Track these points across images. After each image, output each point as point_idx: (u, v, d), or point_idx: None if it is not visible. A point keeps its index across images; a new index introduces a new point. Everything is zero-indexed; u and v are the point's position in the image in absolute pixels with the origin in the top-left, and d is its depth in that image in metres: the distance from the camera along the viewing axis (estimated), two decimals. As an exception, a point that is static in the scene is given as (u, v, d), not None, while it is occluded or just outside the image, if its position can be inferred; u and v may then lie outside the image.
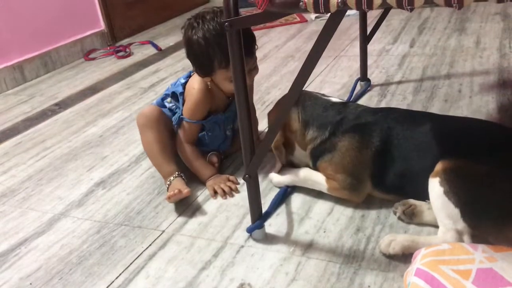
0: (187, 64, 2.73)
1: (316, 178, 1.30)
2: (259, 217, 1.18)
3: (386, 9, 2.02)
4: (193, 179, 1.45)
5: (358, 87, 1.98)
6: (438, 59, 2.19)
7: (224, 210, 1.33)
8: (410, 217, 1.17)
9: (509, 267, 0.85)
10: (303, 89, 1.05)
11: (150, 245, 1.23)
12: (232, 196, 1.38)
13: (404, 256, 1.06)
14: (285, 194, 1.34)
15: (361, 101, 1.86)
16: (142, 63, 2.87)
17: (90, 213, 1.41)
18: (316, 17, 3.19)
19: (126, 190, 1.50)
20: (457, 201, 1.02)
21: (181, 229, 1.27)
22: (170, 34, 3.44)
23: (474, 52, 2.22)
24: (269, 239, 1.19)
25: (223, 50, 1.27)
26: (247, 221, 1.23)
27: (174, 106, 1.50)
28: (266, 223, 1.22)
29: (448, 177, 1.04)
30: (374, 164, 1.21)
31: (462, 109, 1.69)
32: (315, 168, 1.32)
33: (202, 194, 1.41)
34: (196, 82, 1.43)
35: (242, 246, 1.18)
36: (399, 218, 1.19)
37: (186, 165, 1.48)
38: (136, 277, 1.13)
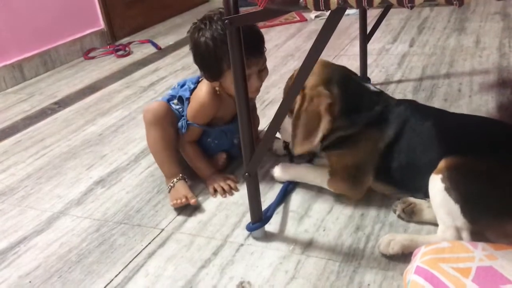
0: (186, 63, 2.73)
1: (318, 172, 1.31)
2: (258, 215, 1.18)
3: (385, 9, 2.02)
4: (193, 178, 1.45)
5: (357, 86, 1.97)
6: (438, 59, 2.19)
7: (224, 208, 1.33)
8: (410, 215, 1.17)
9: (509, 265, 0.85)
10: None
11: (150, 243, 1.23)
12: (232, 194, 1.38)
13: (404, 255, 1.06)
14: (285, 194, 1.34)
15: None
16: (142, 62, 2.86)
17: (90, 211, 1.41)
18: (315, 17, 3.19)
19: (126, 189, 1.50)
20: (457, 197, 1.02)
21: (180, 228, 1.27)
22: (170, 33, 3.43)
23: (473, 51, 2.22)
24: (268, 238, 1.19)
25: None
26: (247, 220, 1.22)
27: (181, 109, 1.45)
28: (266, 222, 1.22)
29: (450, 174, 1.05)
30: (382, 157, 1.21)
31: (462, 108, 1.69)
32: (320, 154, 1.33)
33: (202, 193, 1.41)
34: (204, 85, 1.40)
35: (242, 245, 1.18)
36: (398, 216, 1.19)
37: (187, 162, 1.47)
38: (136, 275, 1.13)
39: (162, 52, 2.99)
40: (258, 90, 1.41)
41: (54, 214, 1.43)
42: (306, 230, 1.20)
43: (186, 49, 2.92)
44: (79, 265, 1.19)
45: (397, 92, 1.89)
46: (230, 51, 1.02)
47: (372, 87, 1.30)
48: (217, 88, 1.38)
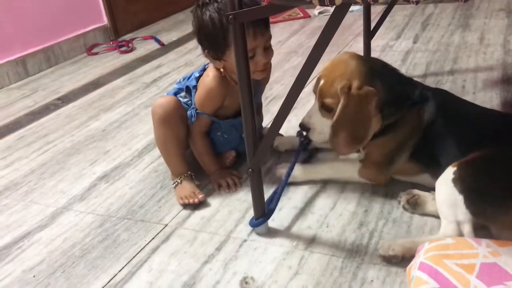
0: (189, 59, 2.73)
1: (345, 166, 1.33)
2: (261, 211, 1.18)
3: (389, 5, 2.01)
4: (197, 173, 1.45)
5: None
6: (442, 55, 2.18)
7: (227, 204, 1.33)
8: (414, 206, 1.18)
9: (513, 261, 0.85)
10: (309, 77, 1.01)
11: (153, 238, 1.23)
12: (236, 189, 1.38)
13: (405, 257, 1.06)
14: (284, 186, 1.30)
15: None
16: (145, 58, 2.86)
17: (93, 206, 1.41)
18: (319, 13, 3.18)
19: (129, 184, 1.50)
20: (462, 188, 1.02)
21: (184, 223, 1.27)
22: (173, 29, 3.43)
23: (478, 48, 2.21)
24: (272, 234, 1.19)
25: None
26: (250, 215, 1.22)
27: (189, 102, 1.43)
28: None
29: (460, 166, 1.06)
30: (421, 137, 1.22)
31: (466, 105, 1.69)
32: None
33: (205, 189, 1.41)
34: (211, 71, 1.38)
35: (245, 240, 1.18)
36: (403, 207, 1.19)
37: (195, 156, 1.46)
38: (139, 270, 1.13)
39: (165, 48, 2.99)
40: (265, 70, 1.36)
41: (57, 209, 1.43)
42: (310, 226, 1.20)
43: (189, 45, 2.93)
44: (82, 260, 1.19)
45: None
46: (234, 46, 1.01)
47: (409, 78, 1.30)
48: (221, 70, 1.36)
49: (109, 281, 1.11)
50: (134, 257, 1.18)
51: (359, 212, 1.23)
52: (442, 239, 0.93)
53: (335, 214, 1.23)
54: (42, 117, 2.16)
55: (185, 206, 1.34)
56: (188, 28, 2.92)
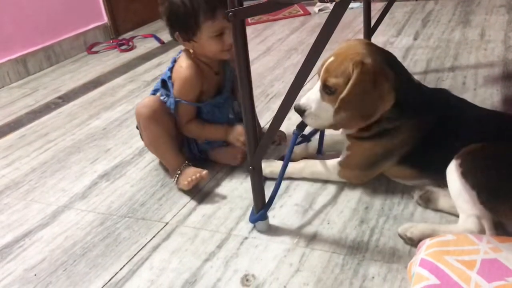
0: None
1: (324, 164, 1.32)
2: (262, 209, 1.18)
3: (390, 2, 2.01)
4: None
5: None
6: (442, 52, 2.18)
7: (228, 201, 1.33)
8: (426, 202, 1.18)
9: (514, 257, 0.84)
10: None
11: (154, 236, 1.23)
12: None
13: (408, 248, 1.06)
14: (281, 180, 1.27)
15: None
16: (145, 56, 2.86)
17: (94, 205, 1.42)
18: (319, 10, 3.17)
19: (130, 182, 1.50)
20: (474, 183, 1.02)
21: (185, 221, 1.28)
22: (173, 27, 3.43)
23: (478, 44, 2.21)
24: (273, 231, 1.19)
25: (208, 0, 1.29)
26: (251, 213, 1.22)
27: (166, 99, 1.44)
28: (270, 215, 1.22)
29: (467, 159, 1.05)
30: (415, 144, 1.20)
31: (467, 101, 1.68)
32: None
33: (206, 186, 1.41)
34: (183, 61, 1.41)
35: (246, 238, 1.18)
36: (416, 202, 1.20)
37: (199, 139, 1.47)
38: (140, 268, 1.13)
39: (165, 47, 2.99)
40: (231, 50, 1.36)
41: (58, 207, 1.43)
42: (311, 223, 1.20)
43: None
44: (84, 258, 1.20)
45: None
46: (234, 44, 1.01)
47: (415, 79, 1.27)
48: (191, 51, 1.40)
49: (110, 279, 1.11)
50: (135, 255, 1.18)
51: (360, 209, 1.23)
52: (443, 235, 0.93)
53: (336, 211, 1.23)
54: (43, 115, 2.16)
55: (186, 203, 1.34)
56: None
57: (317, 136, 1.44)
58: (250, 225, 1.21)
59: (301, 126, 1.28)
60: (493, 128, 1.16)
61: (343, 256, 1.07)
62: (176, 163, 1.41)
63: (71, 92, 2.42)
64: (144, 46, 3.07)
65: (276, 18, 3.19)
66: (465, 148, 1.09)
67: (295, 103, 1.26)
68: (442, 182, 1.14)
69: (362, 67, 1.14)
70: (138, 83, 2.41)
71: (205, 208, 1.32)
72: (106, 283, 1.10)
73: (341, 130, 1.28)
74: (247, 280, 1.05)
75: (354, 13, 2.91)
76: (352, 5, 2.99)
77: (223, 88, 1.48)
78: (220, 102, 1.47)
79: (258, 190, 1.17)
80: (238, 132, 1.41)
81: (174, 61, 1.47)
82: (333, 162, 1.32)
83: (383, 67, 1.16)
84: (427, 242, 0.92)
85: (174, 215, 1.30)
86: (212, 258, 1.13)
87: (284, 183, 1.35)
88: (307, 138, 1.47)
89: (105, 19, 3.28)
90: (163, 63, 2.67)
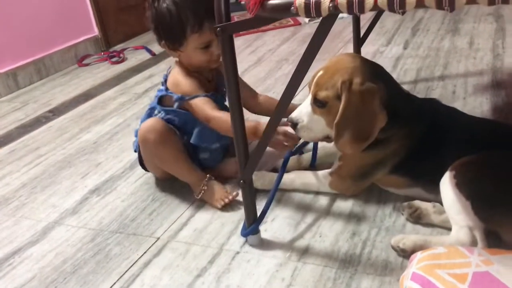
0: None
1: (314, 176, 1.32)
2: (254, 223, 1.17)
3: (379, 11, 2.02)
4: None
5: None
6: (432, 61, 2.19)
7: (219, 216, 1.32)
8: (416, 219, 1.17)
9: (506, 270, 0.84)
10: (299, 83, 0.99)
11: (145, 252, 1.22)
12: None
13: (401, 261, 1.06)
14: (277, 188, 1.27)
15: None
16: (136, 68, 2.86)
17: (85, 220, 1.40)
18: (309, 20, 3.19)
19: (121, 197, 1.49)
20: (468, 193, 1.02)
21: (176, 236, 1.27)
22: (164, 38, 3.42)
23: (467, 53, 2.22)
24: (265, 245, 1.18)
25: (195, 13, 1.29)
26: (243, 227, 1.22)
27: (162, 114, 1.40)
28: (262, 228, 1.22)
29: (460, 170, 1.05)
30: (406, 154, 1.21)
31: (457, 111, 1.69)
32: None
33: (198, 200, 1.40)
34: (176, 74, 1.40)
35: (238, 252, 1.17)
36: (406, 219, 1.19)
37: (226, 132, 1.32)
38: (131, 285, 1.12)
39: (156, 58, 2.99)
40: (218, 60, 1.38)
41: (49, 224, 1.42)
42: (303, 236, 1.19)
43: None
44: (74, 275, 1.18)
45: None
46: (222, 59, 1.01)
47: (405, 90, 1.28)
48: (176, 59, 1.41)
49: (101, 297, 1.10)
50: (126, 271, 1.17)
51: (352, 221, 1.22)
52: (434, 248, 0.93)
53: (328, 224, 1.23)
54: (33, 130, 2.15)
55: (177, 219, 1.33)
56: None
57: (310, 147, 1.44)
58: (242, 239, 1.21)
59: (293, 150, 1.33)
60: (484, 136, 1.16)
61: (335, 270, 1.07)
62: (196, 178, 1.38)
63: (61, 106, 2.40)
64: (135, 58, 3.07)
65: (267, 29, 3.20)
66: (458, 160, 1.09)
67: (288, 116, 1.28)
68: (434, 191, 1.14)
69: (350, 88, 1.14)
70: (129, 95, 2.40)
71: (197, 223, 1.31)
72: (97, 301, 1.09)
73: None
74: (239, 296, 1.04)
75: (343, 22, 2.93)
76: (341, 15, 3.00)
77: (218, 88, 1.46)
78: (218, 99, 1.42)
79: (249, 204, 1.16)
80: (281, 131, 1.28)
81: (166, 76, 1.45)
82: (324, 173, 1.32)
83: (371, 82, 1.15)
84: (418, 255, 0.91)
85: (165, 230, 1.29)
86: (203, 273, 1.12)
87: (275, 196, 1.34)
88: (298, 151, 1.47)
89: (95, 31, 3.27)
90: (154, 74, 2.67)
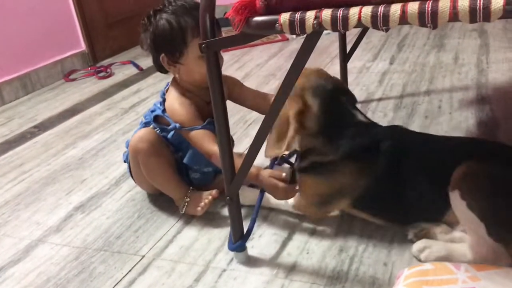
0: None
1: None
2: (240, 239, 1.16)
3: (364, 28, 2.04)
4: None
5: (339, 105, 1.98)
6: (418, 76, 2.21)
7: (206, 232, 1.31)
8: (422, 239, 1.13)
9: (492, 286, 0.84)
10: None
11: (130, 271, 1.20)
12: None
13: (388, 277, 1.05)
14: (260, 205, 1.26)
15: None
16: (123, 83, 2.85)
17: (69, 238, 1.38)
18: (297, 35, 3.21)
19: (106, 214, 1.47)
20: (481, 215, 0.99)
21: (161, 254, 1.25)
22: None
23: (452, 68, 2.25)
24: (252, 262, 1.17)
25: (194, 16, 1.26)
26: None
27: (158, 130, 1.38)
28: (249, 245, 1.20)
29: (467, 187, 1.02)
30: (364, 189, 1.18)
31: (442, 125, 1.70)
32: (294, 171, 1.28)
33: (184, 216, 1.38)
34: (173, 99, 1.35)
35: (225, 270, 1.16)
36: (411, 240, 1.14)
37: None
38: (115, 305, 1.10)
39: (143, 73, 2.98)
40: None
41: (32, 242, 1.39)
42: (290, 253, 1.18)
43: (168, 69, 2.92)
44: (57, 295, 1.16)
45: (378, 110, 1.90)
46: (208, 75, 1.01)
47: (360, 117, 1.24)
48: (176, 76, 1.36)
49: (84, 318, 1.08)
50: (110, 291, 1.14)
51: (339, 237, 1.21)
52: (421, 264, 0.93)
53: (315, 240, 1.22)
54: (18, 145, 2.12)
55: (163, 236, 1.31)
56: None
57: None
58: (229, 256, 1.19)
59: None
60: (456, 160, 1.09)
61: (323, 287, 1.06)
62: (181, 192, 1.37)
63: (47, 121, 2.38)
64: (123, 73, 3.06)
65: (254, 44, 3.21)
66: (457, 172, 1.04)
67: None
68: (407, 222, 1.15)
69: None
70: (115, 110, 2.39)
71: (183, 240, 1.29)
72: (80, 322, 1.07)
73: None
74: (225, 314, 1.02)
75: (330, 38, 2.95)
76: (327, 30, 3.03)
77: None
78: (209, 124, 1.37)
79: (236, 220, 1.15)
80: (276, 186, 1.23)
81: (164, 94, 1.42)
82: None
83: (296, 97, 1.18)
84: (405, 272, 0.91)
85: (151, 248, 1.28)
86: (189, 292, 1.10)
87: (262, 212, 1.34)
88: (274, 164, 1.41)
89: (83, 46, 3.26)
90: (142, 89, 2.66)
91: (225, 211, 1.36)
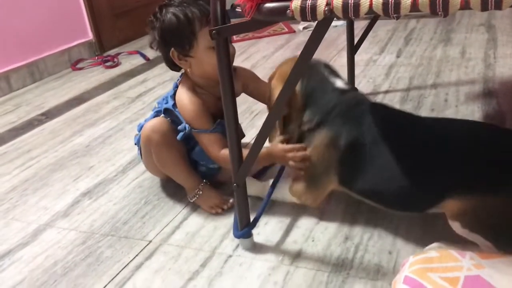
0: (175, 74, 2.71)
1: (286, 182, 1.29)
2: (247, 226, 1.17)
3: (372, 20, 2.04)
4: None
5: (345, 97, 1.98)
6: (425, 69, 2.21)
7: (212, 219, 1.32)
8: None
9: (497, 274, 0.85)
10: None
11: (137, 255, 1.21)
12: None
13: (393, 265, 1.06)
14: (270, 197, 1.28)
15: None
16: (130, 73, 2.86)
17: (76, 223, 1.39)
18: (304, 28, 3.21)
19: (113, 200, 1.48)
20: (487, 237, 0.95)
21: (168, 239, 1.26)
22: (158, 44, 3.43)
23: (459, 62, 2.25)
24: (257, 249, 1.18)
25: (200, 6, 1.26)
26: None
27: (168, 119, 1.37)
28: (254, 232, 1.21)
29: (468, 219, 0.97)
30: (341, 162, 1.13)
31: (449, 118, 1.71)
32: None
33: (191, 203, 1.40)
34: (183, 94, 1.34)
35: (230, 256, 1.17)
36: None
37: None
38: (122, 288, 1.11)
39: (150, 63, 2.99)
40: (233, 60, 1.32)
41: (40, 226, 1.40)
42: (295, 240, 1.19)
43: (175, 60, 2.93)
44: (64, 278, 1.17)
45: (385, 103, 1.90)
46: (217, 61, 1.01)
47: (339, 83, 1.21)
48: (188, 70, 1.34)
49: (91, 300, 1.09)
50: (117, 274, 1.16)
51: (345, 225, 1.22)
52: (426, 252, 0.94)
53: (321, 228, 1.23)
54: (25, 132, 2.14)
55: (169, 222, 1.33)
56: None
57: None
58: (235, 243, 1.20)
59: None
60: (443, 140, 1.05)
61: (328, 274, 1.07)
62: (193, 183, 1.38)
63: (54, 109, 2.39)
64: (129, 62, 3.07)
65: (261, 36, 3.21)
66: (451, 203, 0.98)
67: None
68: (399, 210, 1.13)
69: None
70: (122, 99, 2.40)
71: (189, 226, 1.30)
72: (87, 304, 1.08)
73: None
74: (231, 299, 1.04)
75: (337, 31, 2.95)
76: (335, 23, 3.03)
77: None
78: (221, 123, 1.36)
79: (242, 207, 1.16)
80: (284, 149, 1.23)
81: (176, 86, 1.40)
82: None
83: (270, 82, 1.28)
84: (410, 259, 0.92)
85: (158, 234, 1.29)
86: (195, 277, 1.11)
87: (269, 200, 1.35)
88: None
89: (90, 35, 3.27)
90: (148, 79, 2.67)
91: (232, 198, 1.37)
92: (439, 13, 0.74)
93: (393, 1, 0.75)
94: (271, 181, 1.32)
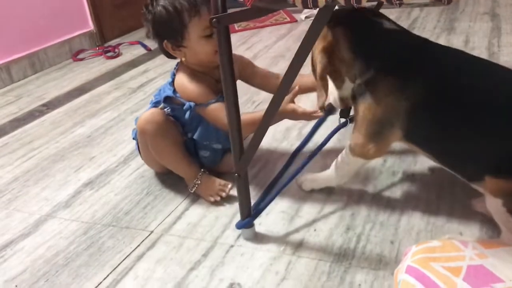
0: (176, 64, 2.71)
1: (342, 156, 1.22)
2: (248, 216, 1.17)
3: (375, 8, 2.02)
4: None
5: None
6: (428, 58, 2.19)
7: (214, 209, 1.32)
8: None
9: (499, 263, 0.84)
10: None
11: (139, 245, 1.21)
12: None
13: (395, 255, 1.06)
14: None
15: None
16: (131, 63, 2.84)
17: (78, 214, 1.39)
18: (306, 17, 3.18)
19: (114, 191, 1.48)
20: None
21: (170, 229, 1.26)
22: (160, 34, 3.41)
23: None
24: (259, 238, 1.18)
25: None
26: (237, 220, 1.21)
27: (168, 109, 1.38)
28: (256, 222, 1.21)
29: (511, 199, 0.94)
30: (409, 113, 1.02)
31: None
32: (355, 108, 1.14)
33: (192, 194, 1.39)
34: (182, 78, 1.35)
35: (232, 246, 1.17)
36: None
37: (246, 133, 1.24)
38: (124, 278, 1.11)
39: (151, 53, 2.97)
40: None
41: (41, 217, 1.40)
42: (297, 230, 1.19)
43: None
44: (66, 268, 1.17)
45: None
46: (218, 50, 1.00)
47: (388, 24, 1.11)
48: (183, 59, 1.35)
49: (93, 290, 1.09)
50: (119, 264, 1.16)
51: (346, 215, 1.22)
52: (428, 241, 0.93)
53: (323, 218, 1.22)
54: (27, 123, 2.13)
55: (171, 212, 1.32)
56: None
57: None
58: (236, 233, 1.20)
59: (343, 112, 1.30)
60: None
61: (330, 264, 1.07)
62: (192, 173, 1.37)
63: (55, 100, 2.39)
64: (130, 53, 3.06)
65: (262, 25, 3.19)
66: (495, 181, 0.95)
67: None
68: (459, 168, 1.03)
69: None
70: (123, 90, 2.39)
71: (191, 216, 1.30)
72: (89, 294, 1.08)
73: None
74: (232, 289, 1.04)
75: (340, 20, 2.92)
76: (338, 12, 3.01)
77: None
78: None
79: (244, 197, 1.16)
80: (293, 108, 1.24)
81: (174, 75, 1.40)
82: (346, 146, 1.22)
83: (327, 32, 1.11)
84: (413, 248, 0.91)
85: (159, 224, 1.29)
86: (197, 267, 1.11)
87: (270, 190, 1.34)
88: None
89: (91, 26, 3.25)
90: (150, 70, 2.66)
91: (233, 189, 1.37)
92: (443, 0, 0.73)
93: (396, -13, 0.74)
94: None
